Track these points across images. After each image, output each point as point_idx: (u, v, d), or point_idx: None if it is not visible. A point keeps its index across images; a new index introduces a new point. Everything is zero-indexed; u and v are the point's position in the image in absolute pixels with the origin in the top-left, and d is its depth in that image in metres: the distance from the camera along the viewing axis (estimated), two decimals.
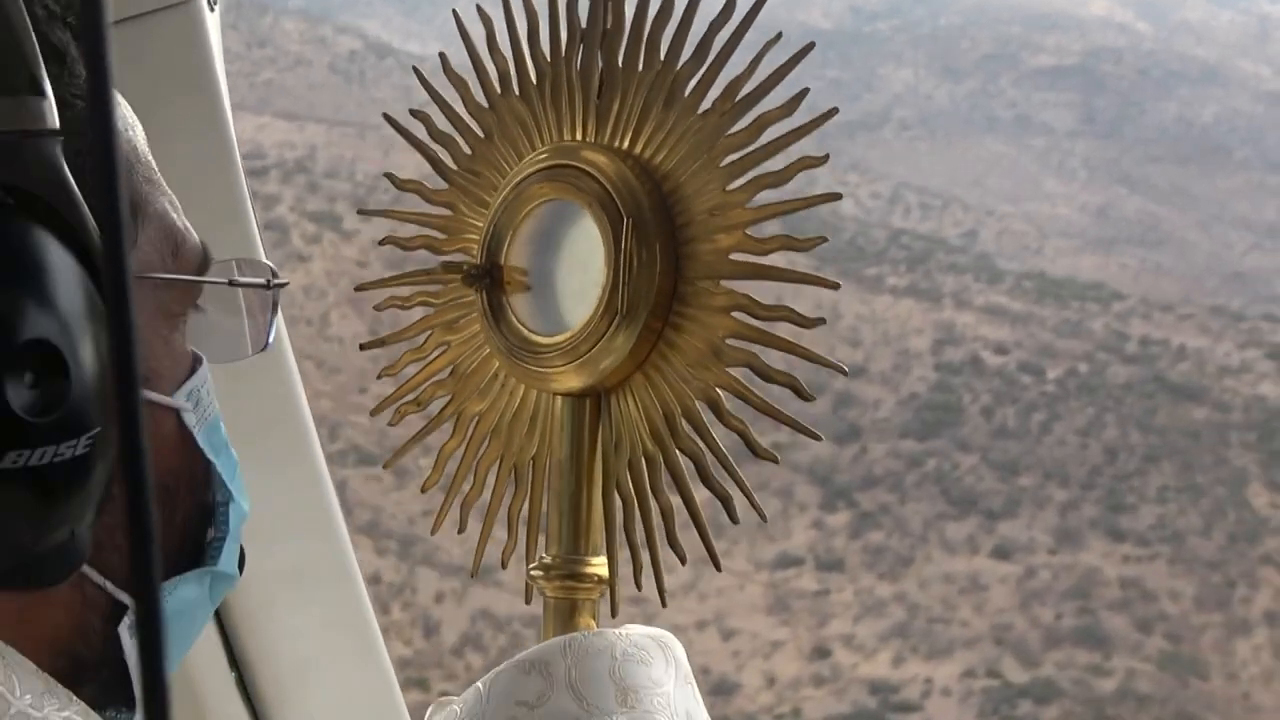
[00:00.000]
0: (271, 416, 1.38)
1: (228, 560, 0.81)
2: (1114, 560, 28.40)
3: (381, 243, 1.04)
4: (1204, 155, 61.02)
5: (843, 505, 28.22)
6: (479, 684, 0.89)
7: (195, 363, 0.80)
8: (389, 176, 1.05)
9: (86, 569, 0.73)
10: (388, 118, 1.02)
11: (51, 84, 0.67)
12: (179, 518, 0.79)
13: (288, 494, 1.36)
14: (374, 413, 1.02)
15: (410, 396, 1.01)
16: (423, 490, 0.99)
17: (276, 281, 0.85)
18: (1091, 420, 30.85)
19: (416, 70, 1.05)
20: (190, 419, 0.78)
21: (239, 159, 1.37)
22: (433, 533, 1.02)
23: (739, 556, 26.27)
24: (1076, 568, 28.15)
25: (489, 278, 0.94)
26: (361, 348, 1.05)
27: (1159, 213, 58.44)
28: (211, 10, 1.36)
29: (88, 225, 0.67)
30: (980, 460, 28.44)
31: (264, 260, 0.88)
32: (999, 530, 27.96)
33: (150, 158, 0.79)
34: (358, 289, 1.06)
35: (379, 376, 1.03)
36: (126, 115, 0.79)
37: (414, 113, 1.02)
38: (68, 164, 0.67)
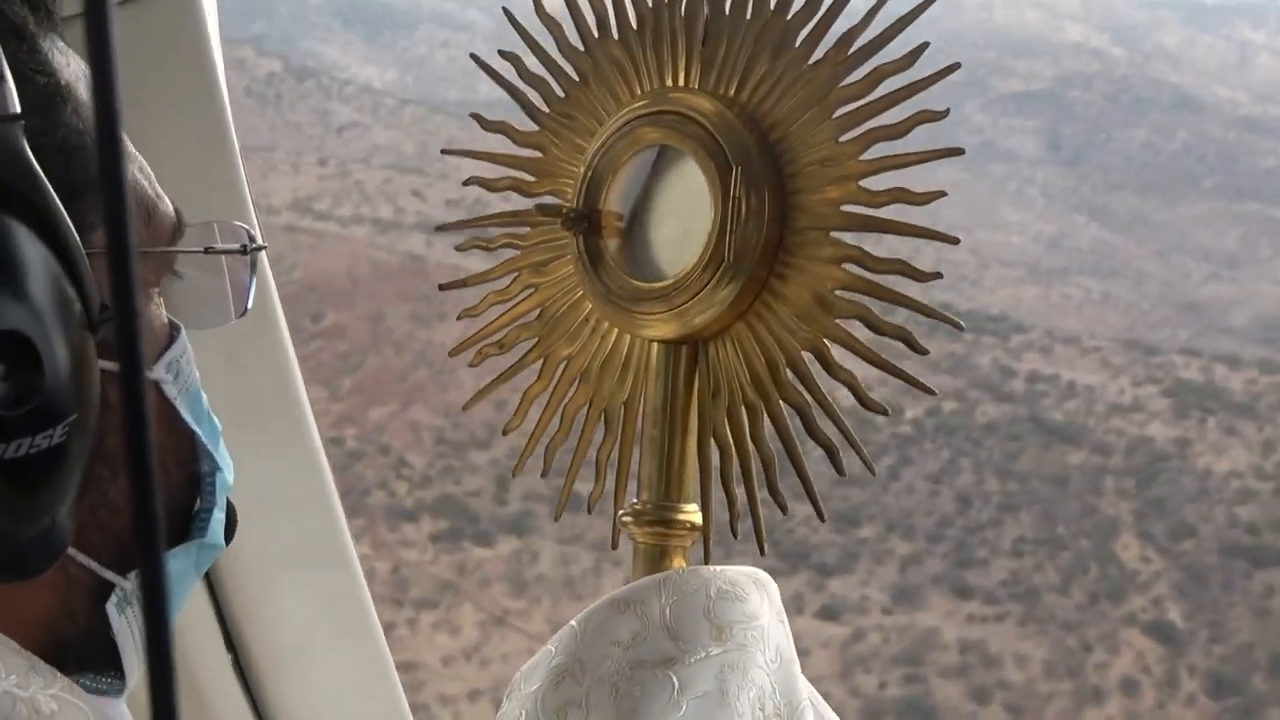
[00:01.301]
0: (268, 400, 1.37)
1: (215, 531, 0.80)
2: (956, 621, 25.80)
3: (467, 183, 1.01)
4: (1169, 183, 58.86)
5: None
6: (573, 622, 0.88)
7: (173, 332, 0.78)
8: (475, 117, 1.02)
9: (71, 551, 0.73)
10: (474, 57, 1.00)
11: (9, 61, 0.66)
12: (167, 492, 0.78)
13: (284, 477, 1.34)
14: (453, 353, 1.00)
15: (493, 339, 0.99)
16: (504, 433, 0.98)
17: (253, 246, 0.83)
18: (946, 465, 28.31)
19: (507, 11, 1.00)
20: (171, 390, 0.77)
21: (235, 139, 1.37)
22: (514, 475, 1.01)
23: (537, 617, 23.89)
24: (912, 629, 25.59)
25: (587, 221, 0.92)
26: (441, 288, 1.02)
27: (1115, 242, 56.43)
28: None
29: (54, 209, 0.66)
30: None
31: (241, 224, 0.85)
32: (829, 588, 25.44)
33: None
34: (438, 229, 1.03)
35: (459, 317, 1.00)
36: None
37: (503, 54, 0.99)
38: (29, 144, 0.66)
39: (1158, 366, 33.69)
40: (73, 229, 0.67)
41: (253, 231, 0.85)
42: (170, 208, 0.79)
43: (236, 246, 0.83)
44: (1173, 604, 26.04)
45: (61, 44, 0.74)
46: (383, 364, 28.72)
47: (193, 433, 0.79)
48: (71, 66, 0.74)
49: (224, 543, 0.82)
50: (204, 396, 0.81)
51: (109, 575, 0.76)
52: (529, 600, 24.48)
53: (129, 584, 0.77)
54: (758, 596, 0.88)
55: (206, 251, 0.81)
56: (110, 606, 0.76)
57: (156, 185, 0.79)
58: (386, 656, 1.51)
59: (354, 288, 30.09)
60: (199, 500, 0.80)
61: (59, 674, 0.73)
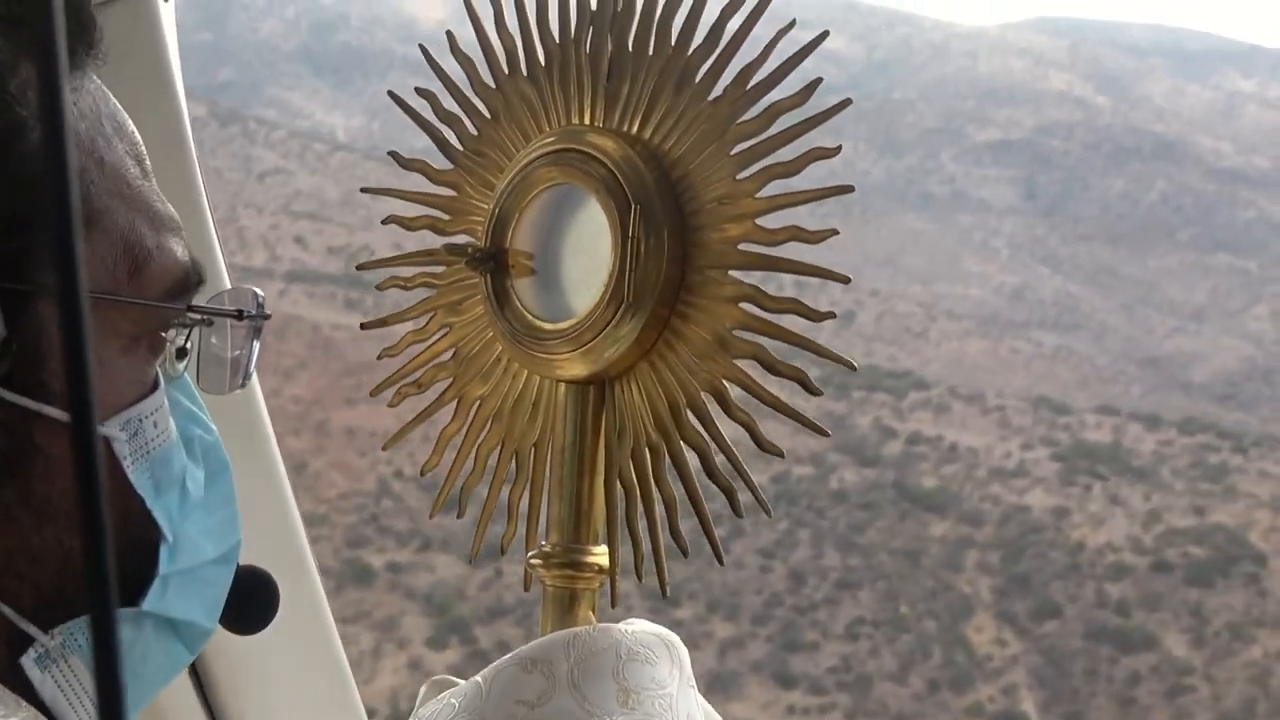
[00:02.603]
0: (226, 408, 1.27)
1: (161, 602, 0.76)
2: (774, 714, 23.21)
3: (385, 221, 1.02)
4: (1141, 234, 57.09)
5: (456, 640, 23.36)
6: (478, 678, 0.86)
7: (146, 391, 0.75)
8: (393, 154, 1.01)
9: None
10: (393, 95, 1.01)
11: None
12: None
13: (243, 488, 1.18)
14: (374, 393, 1.00)
15: (411, 378, 1.00)
16: (422, 473, 0.98)
17: (252, 313, 0.81)
18: (782, 537, 25.79)
19: (423, 48, 1.00)
20: (122, 449, 0.74)
21: (193, 150, 1.37)
22: (430, 517, 1.00)
23: None
24: None
25: (494, 262, 0.93)
26: (363, 327, 1.02)
27: (1079, 294, 54.56)
28: (165, 0, 1.35)
29: None
30: (633, 587, 23.71)
31: (253, 289, 0.83)
32: None
33: (127, 171, 0.75)
34: (359, 268, 1.03)
35: (379, 357, 1.00)
36: (105, 128, 0.75)
37: (420, 91, 1.00)
38: None
39: (1062, 427, 31.21)
40: None
41: (262, 299, 0.82)
42: (177, 263, 0.75)
43: (232, 310, 0.80)
44: (1028, 693, 23.38)
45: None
46: None
47: (140, 497, 0.75)
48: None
49: (203, 621, 0.79)
50: (179, 461, 0.77)
51: (25, 626, 0.72)
52: None
53: (52, 641, 0.73)
54: (668, 661, 0.86)
55: (190, 309, 0.77)
56: (27, 661, 0.72)
57: (167, 238, 0.75)
58: (344, 664, 1.49)
59: None
60: (151, 568, 0.76)
61: (23, 703, 0.71)
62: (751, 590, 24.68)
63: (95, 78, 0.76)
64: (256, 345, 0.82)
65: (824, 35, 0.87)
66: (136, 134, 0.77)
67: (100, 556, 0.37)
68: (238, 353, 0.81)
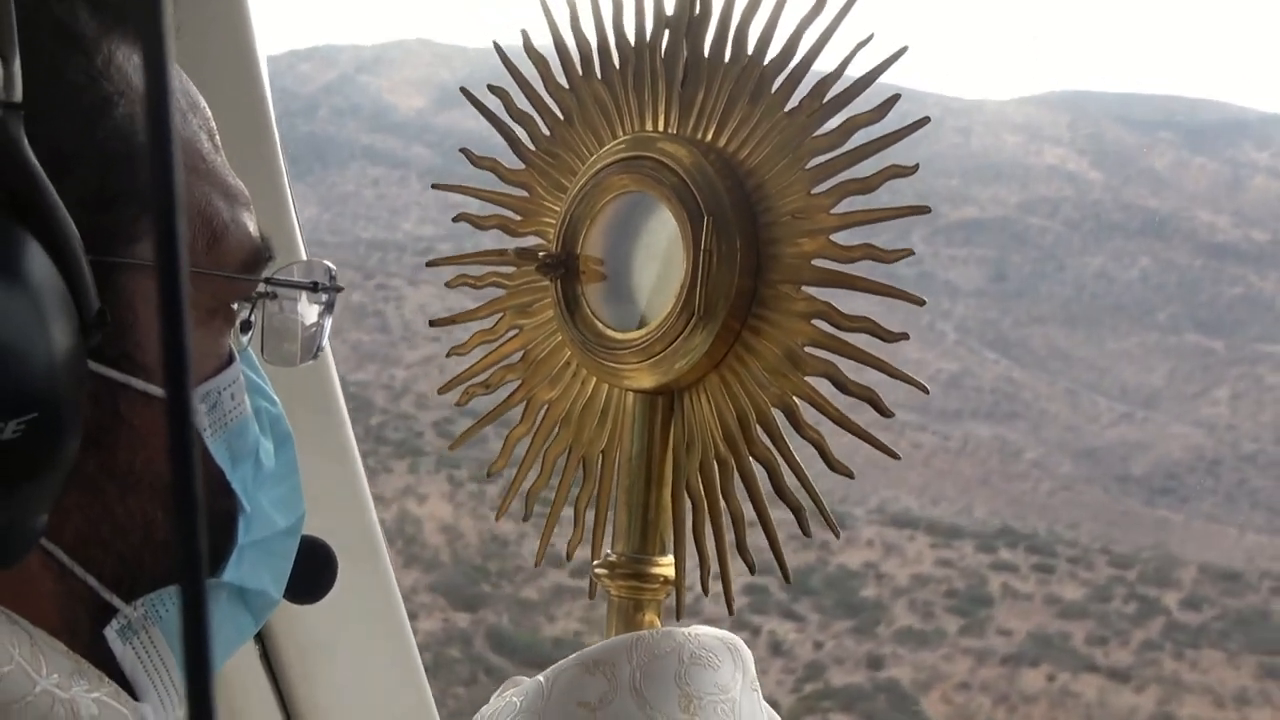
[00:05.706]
0: (302, 392, 1.34)
1: (237, 573, 0.77)
2: None
3: (456, 219, 1.01)
4: (1108, 314, 50.74)
5: None
6: (540, 678, 0.86)
7: (224, 363, 0.76)
8: (464, 152, 1.01)
9: (70, 563, 0.71)
10: (464, 91, 1.00)
11: (62, 66, 0.68)
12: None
13: (316, 469, 1.27)
14: (442, 391, 1.00)
15: (479, 378, 0.99)
16: (489, 474, 0.98)
17: (325, 284, 0.82)
18: None
19: (497, 46, 1.00)
20: (201, 421, 0.75)
21: (274, 123, 1.37)
22: (497, 519, 0.98)
23: None
24: None
25: (564, 267, 0.92)
26: (431, 324, 1.02)
27: (1022, 380, 48.29)
28: None
29: (47, 202, 0.64)
30: None
31: (325, 262, 0.84)
32: None
33: (201, 145, 0.75)
34: (429, 264, 1.03)
35: (449, 355, 1.00)
36: (180, 102, 0.76)
37: (493, 89, 0.99)
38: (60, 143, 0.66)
39: (815, 547, 25.54)
40: (70, 227, 0.64)
41: (334, 271, 0.82)
42: (248, 238, 0.76)
43: (306, 283, 0.81)
44: None
45: (138, 58, 0.72)
46: None
47: (220, 469, 0.75)
48: (136, 80, 0.72)
49: (273, 591, 0.79)
50: (252, 433, 0.77)
51: (109, 596, 0.72)
52: None
53: (135, 612, 0.73)
54: (731, 665, 0.86)
55: (268, 282, 0.79)
56: (111, 632, 0.73)
57: (240, 212, 0.76)
58: (413, 651, 1.49)
59: None
60: (225, 540, 0.77)
61: (105, 678, 0.71)
62: None
63: None
64: (329, 319, 0.82)
65: (903, 50, 0.86)
66: (208, 109, 0.77)
67: (193, 528, 0.37)
68: (310, 326, 0.82)
